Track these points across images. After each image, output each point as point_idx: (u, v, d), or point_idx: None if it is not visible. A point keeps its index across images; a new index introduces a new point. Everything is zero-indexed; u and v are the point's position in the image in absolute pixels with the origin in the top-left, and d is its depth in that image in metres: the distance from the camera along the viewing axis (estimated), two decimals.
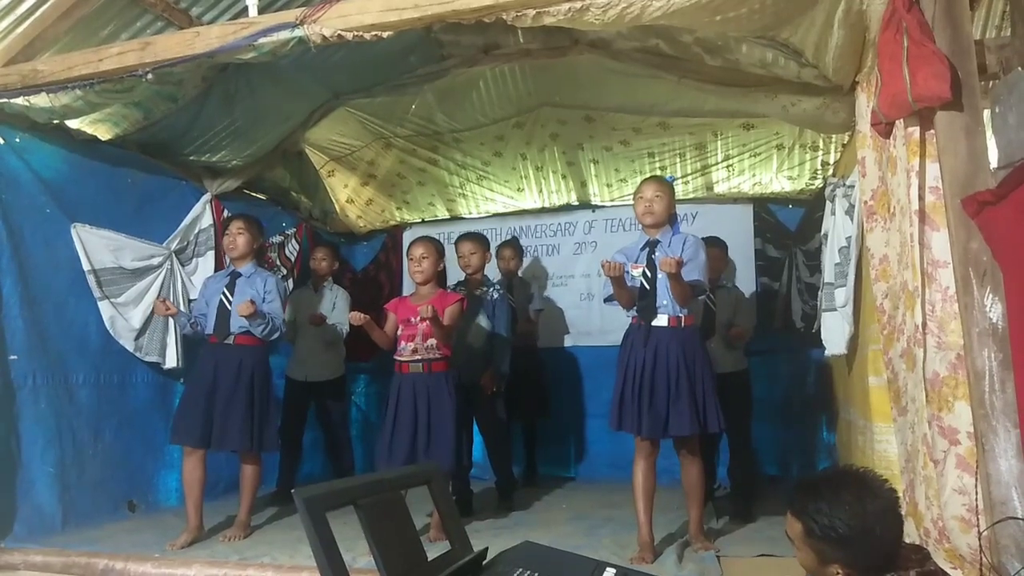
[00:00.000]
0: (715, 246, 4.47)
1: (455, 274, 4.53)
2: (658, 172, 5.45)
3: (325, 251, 5.20)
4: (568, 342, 5.77)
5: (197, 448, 3.67)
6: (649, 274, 3.26)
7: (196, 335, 3.94)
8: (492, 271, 4.79)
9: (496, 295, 4.41)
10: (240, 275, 3.84)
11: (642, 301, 3.26)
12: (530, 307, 5.10)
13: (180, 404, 3.96)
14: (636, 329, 3.30)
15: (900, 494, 2.47)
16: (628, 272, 3.29)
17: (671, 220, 3.37)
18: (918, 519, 2.39)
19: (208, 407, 3.64)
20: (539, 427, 5.36)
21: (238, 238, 3.83)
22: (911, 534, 2.40)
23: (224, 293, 3.80)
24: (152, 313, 4.29)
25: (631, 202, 5.55)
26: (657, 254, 3.27)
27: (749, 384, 4.37)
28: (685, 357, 3.18)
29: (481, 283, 4.41)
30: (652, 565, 3.02)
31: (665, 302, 3.22)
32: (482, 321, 4.28)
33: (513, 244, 5.18)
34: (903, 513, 2.41)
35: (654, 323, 3.23)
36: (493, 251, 4.75)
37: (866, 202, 2.80)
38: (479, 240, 4.44)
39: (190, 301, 4.00)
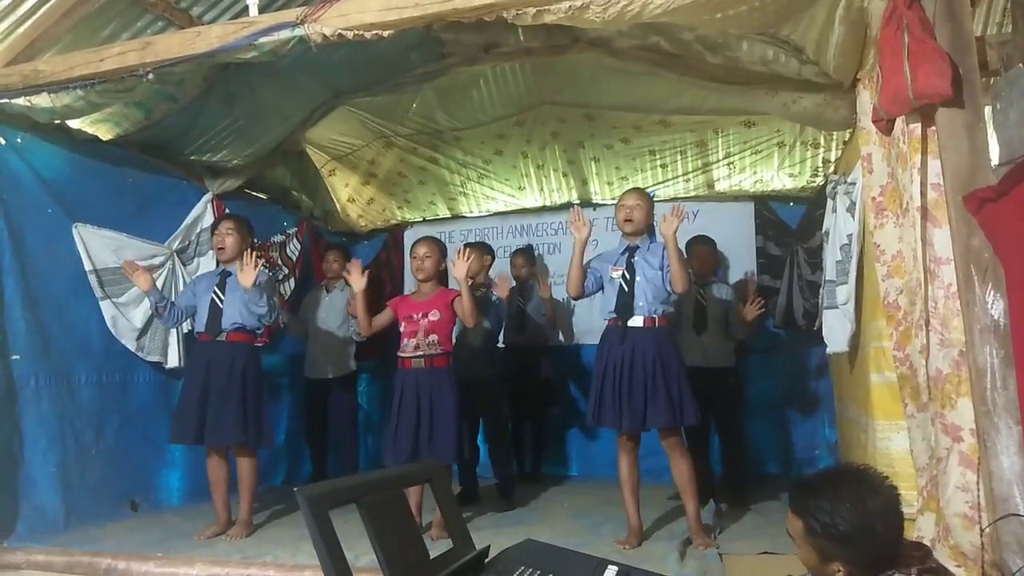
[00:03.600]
0: (703, 244, 4.52)
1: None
2: (659, 169, 5.47)
3: (336, 253, 5.31)
4: (568, 340, 5.76)
5: (195, 445, 3.75)
6: (628, 276, 3.44)
7: (159, 319, 3.98)
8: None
9: (497, 295, 4.50)
10: (231, 274, 3.84)
11: (620, 301, 3.43)
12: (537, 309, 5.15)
13: (177, 404, 3.98)
14: (613, 329, 3.47)
15: (919, 490, 2.47)
16: (609, 275, 3.50)
17: (649, 230, 3.54)
18: (939, 515, 2.36)
19: (202, 404, 3.67)
20: (544, 424, 5.45)
21: (227, 239, 3.84)
22: (929, 530, 2.38)
23: (215, 291, 3.81)
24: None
25: None
26: (636, 259, 3.45)
27: (739, 379, 4.55)
28: (660, 355, 3.35)
29: (481, 286, 4.51)
30: (655, 563, 3.02)
31: (641, 303, 3.41)
32: (483, 323, 4.34)
33: (525, 252, 5.28)
34: (918, 509, 2.42)
35: (630, 323, 3.41)
36: (508, 258, 5.24)
37: (874, 198, 2.79)
38: (476, 247, 4.52)
39: (171, 304, 3.99)
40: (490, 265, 4.83)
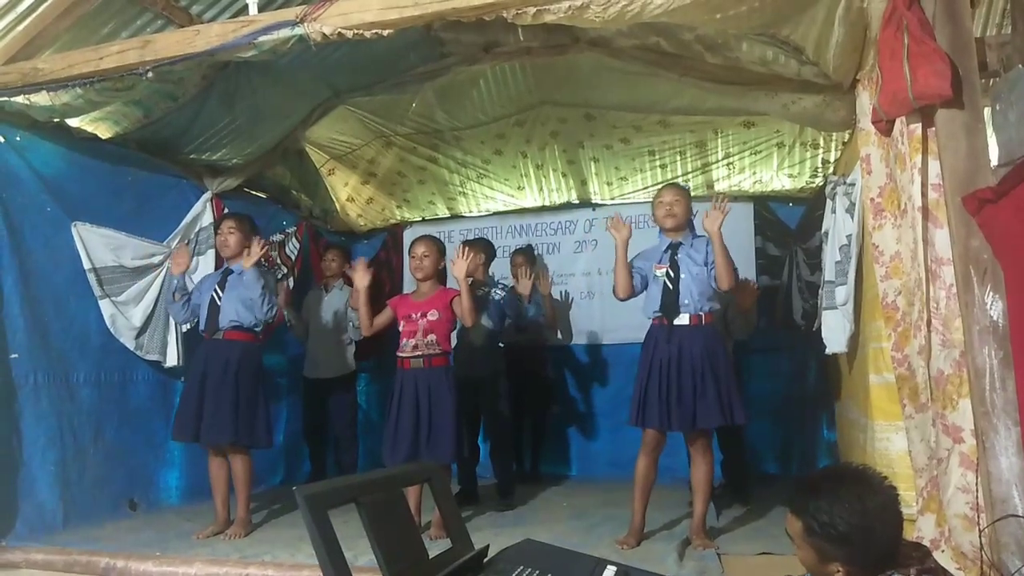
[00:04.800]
0: None
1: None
2: (659, 170, 5.48)
3: (336, 252, 5.33)
4: (566, 340, 5.76)
5: (192, 443, 3.76)
6: (672, 274, 3.36)
7: (172, 304, 4.01)
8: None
9: (500, 294, 4.50)
10: (232, 272, 3.86)
11: (665, 299, 3.36)
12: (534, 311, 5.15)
13: (179, 401, 3.99)
14: (659, 328, 3.39)
15: (918, 491, 2.47)
16: (652, 272, 3.42)
17: (690, 225, 3.48)
18: (940, 516, 2.37)
19: (199, 402, 3.67)
20: (544, 423, 5.45)
21: (229, 237, 3.85)
22: (929, 530, 2.38)
23: (215, 290, 3.83)
24: (152, 312, 4.31)
25: (632, 200, 5.68)
26: (680, 255, 3.38)
27: (737, 380, 4.46)
28: (708, 353, 3.29)
29: (483, 284, 4.50)
30: (653, 563, 3.02)
31: (687, 301, 3.34)
32: (484, 320, 4.33)
33: (525, 252, 5.28)
34: (918, 510, 2.42)
35: (676, 321, 3.34)
36: (508, 257, 5.26)
37: (873, 199, 2.79)
38: (475, 244, 4.54)
39: (188, 298, 4.00)
40: (489, 262, 4.81)
